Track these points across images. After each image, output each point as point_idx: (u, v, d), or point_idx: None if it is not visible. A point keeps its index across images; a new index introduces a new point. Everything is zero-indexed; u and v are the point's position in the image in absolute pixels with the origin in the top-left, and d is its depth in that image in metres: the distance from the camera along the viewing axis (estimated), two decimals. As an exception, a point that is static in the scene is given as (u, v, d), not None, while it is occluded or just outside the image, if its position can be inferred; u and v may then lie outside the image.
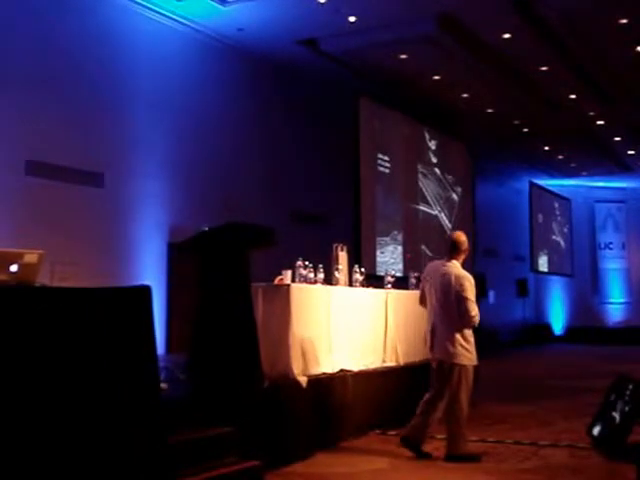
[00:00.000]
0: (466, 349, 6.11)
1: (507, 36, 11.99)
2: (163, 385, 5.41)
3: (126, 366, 4.14)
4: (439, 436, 6.64)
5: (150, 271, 9.86)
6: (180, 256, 9.78)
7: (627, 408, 6.42)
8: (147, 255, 10.00)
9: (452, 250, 6.31)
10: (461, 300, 6.07)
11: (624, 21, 11.42)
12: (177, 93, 10.80)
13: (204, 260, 6.12)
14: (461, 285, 6.09)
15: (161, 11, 10.55)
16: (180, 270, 9.89)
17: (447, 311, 6.15)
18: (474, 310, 6.06)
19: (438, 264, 6.44)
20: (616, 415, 6.47)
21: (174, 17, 10.75)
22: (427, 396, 6.31)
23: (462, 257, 6.33)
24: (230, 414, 5.51)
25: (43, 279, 4.53)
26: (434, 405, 6.24)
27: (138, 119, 10.19)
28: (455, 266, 6.24)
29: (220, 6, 10.49)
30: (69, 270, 8.32)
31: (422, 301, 6.56)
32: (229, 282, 6.00)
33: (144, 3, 10.25)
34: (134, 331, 4.18)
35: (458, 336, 6.09)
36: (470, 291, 6.10)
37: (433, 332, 6.25)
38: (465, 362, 6.13)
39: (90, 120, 9.52)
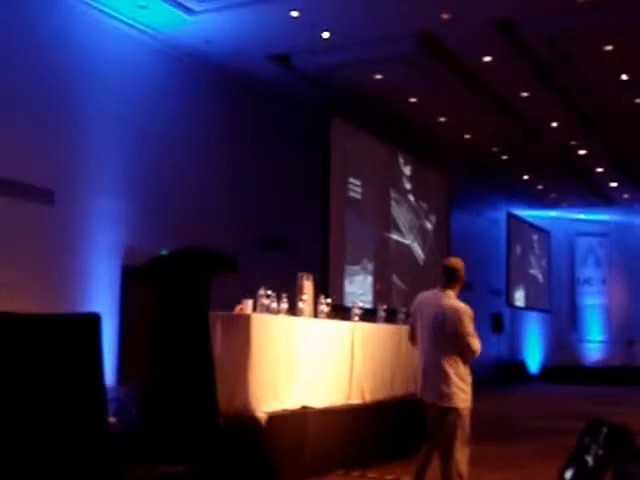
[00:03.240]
0: (462, 390, 5.70)
1: (488, 59, 12.11)
2: (112, 419, 5.35)
3: (70, 399, 4.08)
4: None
5: (102, 296, 9.75)
6: (135, 281, 9.71)
7: (601, 452, 6.42)
8: (99, 279, 9.88)
9: (447, 279, 5.89)
10: (460, 336, 5.70)
11: (609, 48, 11.59)
12: (137, 107, 10.75)
13: (160, 286, 6.08)
14: (458, 319, 5.71)
15: (123, 18, 10.48)
16: (134, 296, 9.80)
17: (441, 348, 5.75)
18: (475, 345, 5.75)
19: (430, 295, 5.99)
20: (589, 459, 6.47)
21: (136, 25, 10.69)
22: (423, 449, 5.88)
23: (458, 287, 5.92)
24: (183, 451, 5.45)
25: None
26: (430, 457, 5.84)
27: (94, 132, 10.12)
28: (450, 297, 5.83)
29: (186, 16, 10.46)
30: (14, 294, 8.22)
31: (412, 337, 6.11)
32: (186, 310, 5.97)
33: (104, 9, 10.19)
34: (80, 362, 4.13)
35: (454, 376, 5.70)
36: (469, 324, 5.74)
37: (425, 372, 5.84)
38: (460, 405, 5.69)
39: (41, 131, 9.37)
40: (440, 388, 5.70)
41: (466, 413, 5.73)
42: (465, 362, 5.78)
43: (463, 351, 5.74)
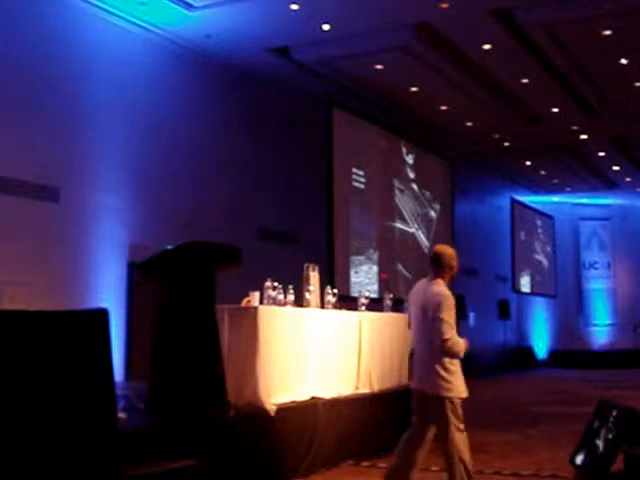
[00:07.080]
0: (445, 379, 5.51)
1: (487, 47, 12.08)
2: (121, 415, 5.34)
3: (79, 395, 4.07)
4: (434, 468, 6.57)
5: (109, 293, 9.75)
6: (141, 277, 9.71)
7: (611, 435, 6.37)
8: (106, 276, 9.89)
9: (434, 267, 5.73)
10: (435, 320, 5.50)
11: (608, 32, 11.55)
12: (140, 103, 10.74)
13: (167, 281, 6.06)
14: (436, 303, 5.52)
15: (124, 16, 10.49)
16: (141, 291, 9.81)
17: (425, 335, 5.62)
18: (447, 333, 5.43)
19: (422, 283, 5.83)
20: (600, 443, 6.43)
21: (138, 22, 10.70)
22: (406, 434, 5.75)
23: (448, 275, 5.73)
24: (193, 445, 5.44)
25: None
26: (414, 443, 5.67)
27: (98, 129, 10.11)
28: (437, 284, 5.66)
29: (187, 11, 10.46)
30: (20, 291, 8.22)
31: (410, 325, 6.00)
32: (193, 304, 5.95)
33: (106, 7, 10.19)
34: (88, 358, 4.11)
35: (436, 364, 5.51)
36: (446, 311, 5.49)
37: (415, 360, 5.76)
38: (444, 394, 5.51)
39: (45, 129, 9.39)
40: (425, 376, 5.62)
41: (453, 401, 5.54)
42: (440, 350, 5.50)
43: (433, 337, 5.50)
